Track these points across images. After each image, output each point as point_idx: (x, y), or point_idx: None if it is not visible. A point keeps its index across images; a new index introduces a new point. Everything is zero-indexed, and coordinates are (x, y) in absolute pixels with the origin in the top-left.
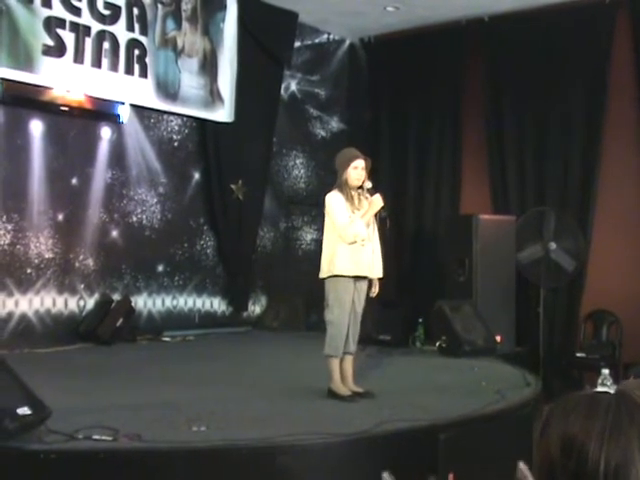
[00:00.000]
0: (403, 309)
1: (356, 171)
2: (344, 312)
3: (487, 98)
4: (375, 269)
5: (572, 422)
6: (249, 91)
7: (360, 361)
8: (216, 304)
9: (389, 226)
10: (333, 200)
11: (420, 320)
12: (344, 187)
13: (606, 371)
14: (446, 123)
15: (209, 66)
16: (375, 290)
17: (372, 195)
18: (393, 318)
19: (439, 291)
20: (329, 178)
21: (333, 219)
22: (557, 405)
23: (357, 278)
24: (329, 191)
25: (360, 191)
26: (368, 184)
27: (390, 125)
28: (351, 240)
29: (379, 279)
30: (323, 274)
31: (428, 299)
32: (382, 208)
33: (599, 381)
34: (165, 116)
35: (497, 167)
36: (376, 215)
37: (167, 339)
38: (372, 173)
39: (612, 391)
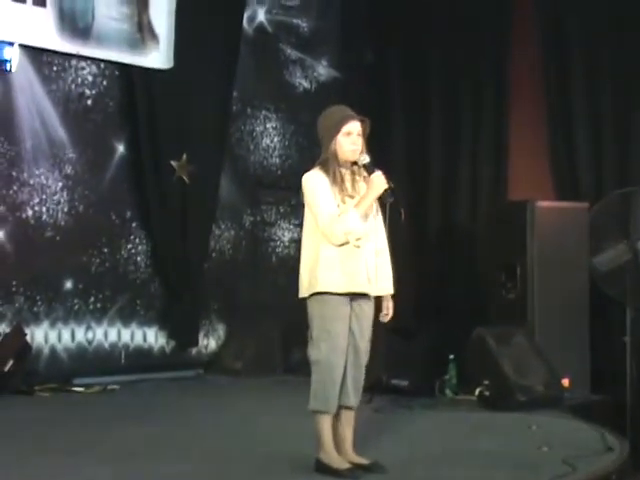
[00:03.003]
0: (425, 341)
1: (349, 138)
2: (336, 347)
3: (546, 31)
4: (381, 282)
5: None
6: (196, 24)
7: (364, 418)
8: (151, 337)
9: (404, 219)
10: (312, 182)
11: (451, 357)
12: (331, 163)
13: None
14: (487, 69)
15: None
16: (388, 312)
17: (370, 174)
18: (411, 354)
19: (478, 313)
20: (316, 149)
21: (313, 210)
22: None
23: (354, 296)
24: (309, 170)
25: (355, 168)
26: (364, 158)
27: (404, 72)
28: (340, 240)
29: (392, 296)
30: (303, 291)
31: (463, 325)
32: (387, 191)
33: None
34: (73, 62)
35: (562, 133)
36: (381, 202)
37: (79, 389)
38: (376, 142)
39: None
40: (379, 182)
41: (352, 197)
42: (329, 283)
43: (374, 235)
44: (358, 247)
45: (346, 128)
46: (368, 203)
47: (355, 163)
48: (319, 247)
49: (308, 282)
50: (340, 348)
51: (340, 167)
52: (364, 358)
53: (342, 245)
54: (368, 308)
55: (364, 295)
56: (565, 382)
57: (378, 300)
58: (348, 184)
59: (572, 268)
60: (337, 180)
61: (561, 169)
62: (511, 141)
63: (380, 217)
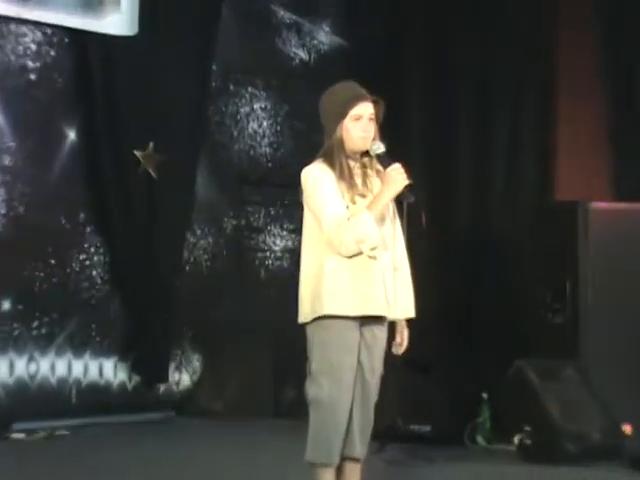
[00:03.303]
0: (451, 376)
1: (359, 123)
2: (340, 383)
3: (604, 11)
4: (400, 303)
5: None
6: None
7: (374, 472)
8: (109, 370)
9: (425, 224)
10: (314, 178)
11: (484, 396)
12: (337, 154)
13: None
14: (528, 38)
15: None
16: (403, 341)
17: (386, 167)
18: (434, 393)
19: (518, 342)
20: (315, 136)
21: (316, 212)
22: None
23: (365, 320)
24: (308, 163)
25: (366, 160)
26: (378, 147)
27: (424, 40)
28: (351, 250)
29: (408, 321)
30: (304, 315)
31: (498, 357)
32: (407, 188)
33: None
34: (12, 26)
35: (622, 117)
36: (398, 203)
37: (19, 436)
38: (390, 127)
39: None
40: (398, 177)
41: (364, 196)
42: (337, 304)
43: (391, 243)
44: (374, 258)
45: (355, 110)
46: (384, 203)
47: (366, 153)
48: (324, 259)
49: (310, 304)
50: (346, 385)
51: (348, 159)
52: (374, 397)
53: (353, 256)
54: (381, 335)
55: (378, 319)
56: (626, 428)
57: (390, 325)
58: (358, 179)
59: (636, 285)
60: (345, 175)
61: (621, 162)
62: (559, 128)
63: (398, 221)
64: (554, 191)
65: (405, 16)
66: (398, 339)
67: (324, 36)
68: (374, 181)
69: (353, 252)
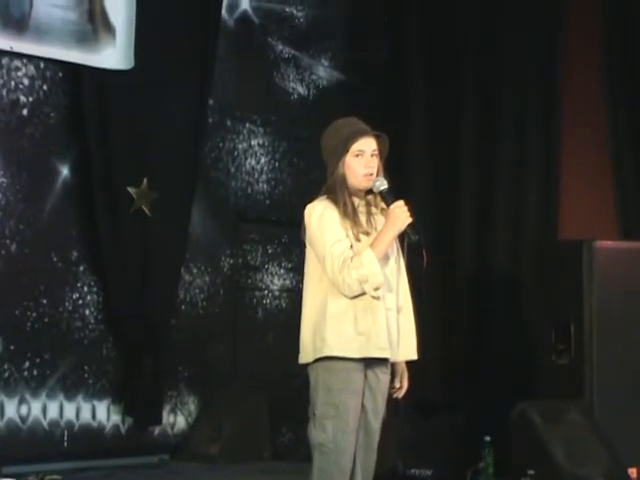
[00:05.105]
0: (454, 419)
1: (361, 159)
2: (345, 427)
3: (611, 34)
4: (402, 344)
5: None
6: (163, 13)
7: None
8: (102, 413)
9: (427, 262)
10: (317, 215)
11: (487, 439)
12: (340, 191)
13: None
14: (533, 75)
15: None
16: (402, 385)
17: (389, 204)
18: (436, 436)
19: (522, 384)
20: (315, 172)
21: (319, 251)
22: None
23: (368, 362)
24: (311, 200)
25: (370, 198)
26: (381, 183)
27: (427, 75)
28: (354, 290)
29: (409, 363)
30: (305, 356)
31: (501, 399)
32: (410, 226)
33: None
34: (5, 60)
35: (628, 154)
36: (401, 242)
37: None
38: (392, 163)
39: None
40: (401, 215)
41: (367, 234)
42: (340, 345)
43: (395, 284)
44: (377, 299)
45: (357, 146)
46: (387, 241)
47: (370, 191)
48: (326, 298)
49: (312, 344)
50: (351, 429)
51: (352, 196)
52: (377, 441)
53: (357, 297)
54: (384, 377)
55: (381, 361)
56: (632, 472)
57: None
58: (362, 216)
59: None
60: (349, 212)
61: (627, 200)
62: (563, 164)
63: (402, 261)
64: (559, 229)
65: (405, 50)
66: (397, 384)
67: (323, 71)
68: (378, 219)
69: (356, 293)
